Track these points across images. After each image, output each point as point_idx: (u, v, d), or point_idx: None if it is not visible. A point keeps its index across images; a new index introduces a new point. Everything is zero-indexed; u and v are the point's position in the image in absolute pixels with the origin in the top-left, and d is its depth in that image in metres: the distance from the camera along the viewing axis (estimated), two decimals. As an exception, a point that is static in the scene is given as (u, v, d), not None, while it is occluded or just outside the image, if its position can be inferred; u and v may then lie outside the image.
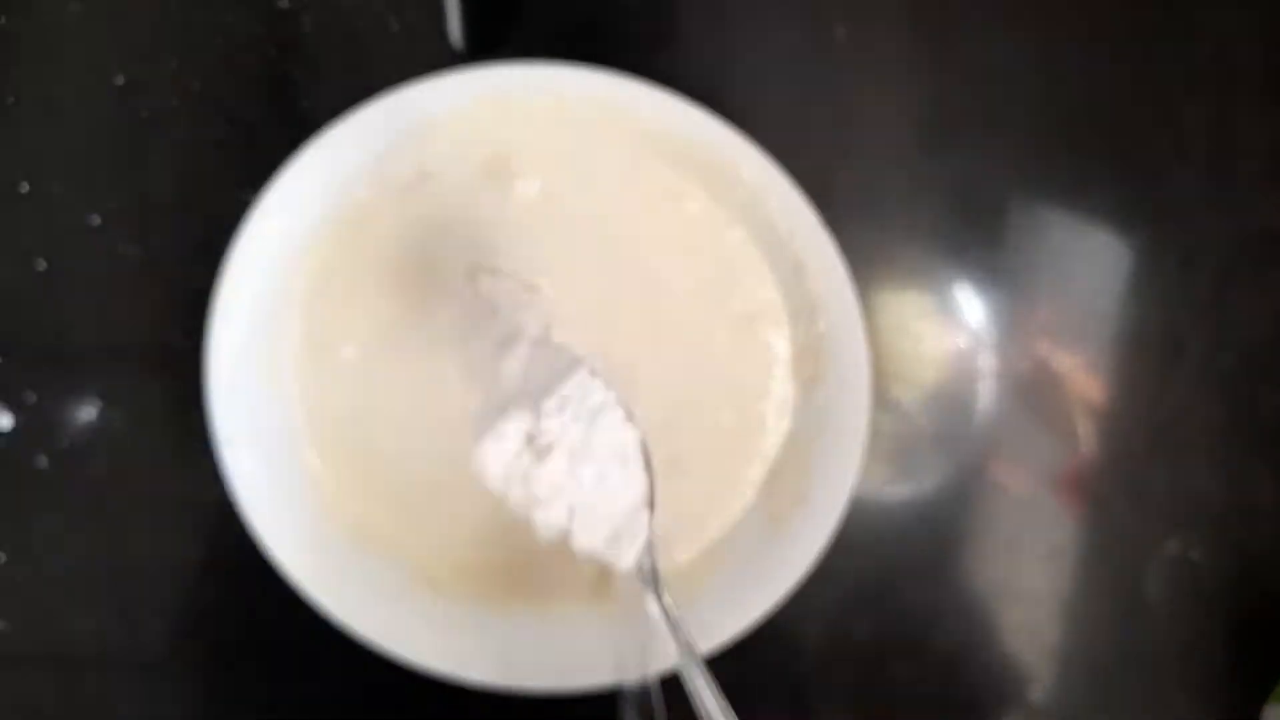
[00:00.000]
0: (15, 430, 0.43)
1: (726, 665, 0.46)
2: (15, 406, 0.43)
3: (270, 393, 0.39)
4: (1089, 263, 0.44)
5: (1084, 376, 0.45)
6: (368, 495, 0.40)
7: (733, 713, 0.32)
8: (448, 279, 0.40)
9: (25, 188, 0.42)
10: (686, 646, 0.33)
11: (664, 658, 0.36)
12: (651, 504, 0.35)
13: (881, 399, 0.44)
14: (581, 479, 0.34)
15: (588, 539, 0.34)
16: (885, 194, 0.43)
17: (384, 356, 0.41)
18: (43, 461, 0.43)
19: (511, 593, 0.40)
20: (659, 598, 0.34)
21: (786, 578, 0.38)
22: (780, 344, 0.41)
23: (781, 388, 0.41)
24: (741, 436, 0.42)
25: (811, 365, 0.39)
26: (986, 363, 0.44)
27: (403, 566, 0.41)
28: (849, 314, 0.37)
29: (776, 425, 0.41)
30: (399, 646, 0.38)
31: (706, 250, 0.40)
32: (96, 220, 0.42)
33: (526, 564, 0.41)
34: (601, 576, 0.41)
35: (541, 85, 0.36)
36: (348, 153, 0.36)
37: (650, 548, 0.34)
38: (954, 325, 0.44)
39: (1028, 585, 0.46)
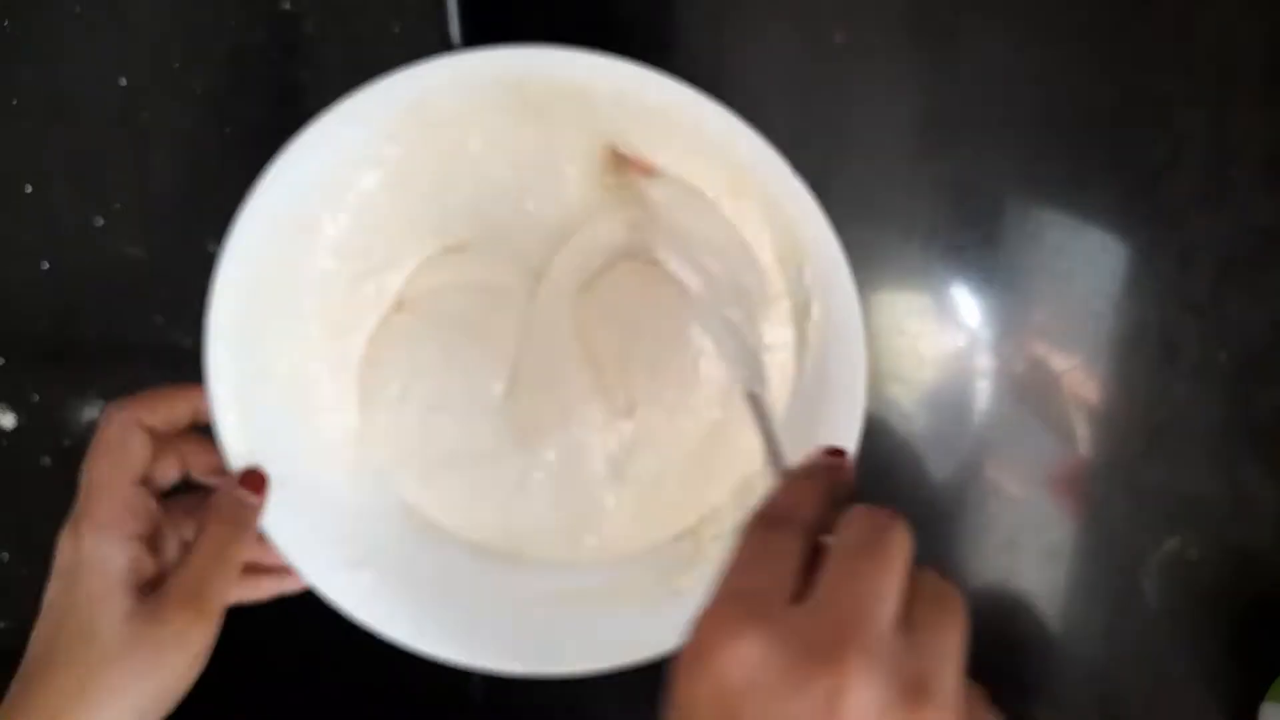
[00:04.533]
0: (19, 429, 0.43)
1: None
2: (19, 406, 0.43)
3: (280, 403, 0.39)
4: (1085, 263, 0.44)
5: (1081, 376, 0.45)
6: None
7: None
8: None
9: (29, 189, 0.42)
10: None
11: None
12: None
13: (879, 398, 0.44)
14: None
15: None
16: (883, 195, 0.43)
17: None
18: (46, 461, 0.44)
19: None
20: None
21: None
22: (779, 326, 0.41)
23: (778, 368, 0.41)
24: (733, 418, 0.42)
25: (808, 342, 0.39)
26: (984, 362, 0.44)
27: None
28: (831, 254, 0.36)
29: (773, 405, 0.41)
30: (410, 639, 0.38)
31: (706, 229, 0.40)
32: (100, 221, 0.42)
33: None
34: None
35: (550, 68, 0.35)
36: (346, 137, 0.36)
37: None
38: (951, 325, 0.44)
39: (1025, 584, 0.46)
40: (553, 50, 0.34)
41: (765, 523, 0.26)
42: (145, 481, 0.36)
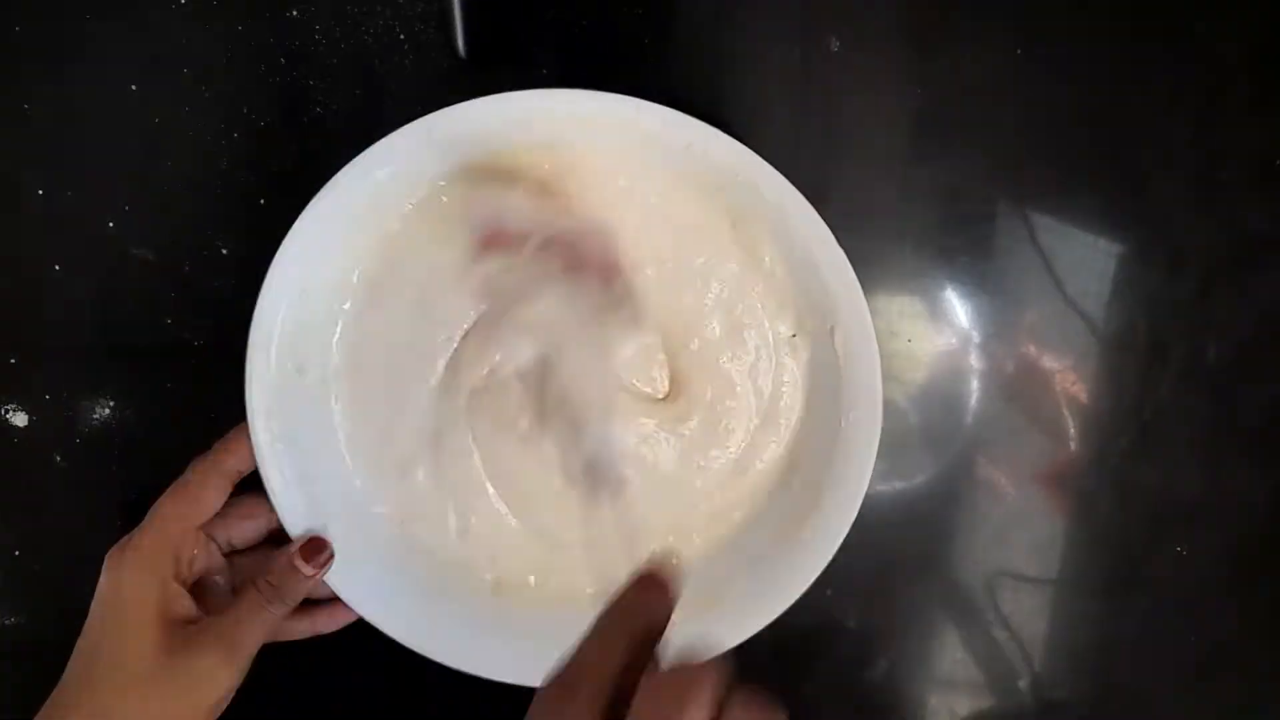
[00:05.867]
0: (30, 427, 0.43)
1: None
2: (30, 405, 0.43)
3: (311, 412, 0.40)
4: (1075, 266, 0.44)
5: (1071, 376, 0.45)
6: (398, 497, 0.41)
7: None
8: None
9: (40, 192, 0.42)
10: None
11: None
12: None
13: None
14: None
15: None
16: (878, 200, 0.44)
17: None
18: (57, 459, 0.44)
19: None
20: None
21: (801, 580, 0.39)
22: (793, 350, 0.42)
23: (792, 389, 0.42)
24: (757, 435, 0.42)
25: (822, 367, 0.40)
26: (976, 363, 0.45)
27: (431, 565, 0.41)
28: (861, 323, 0.38)
29: (789, 424, 0.42)
30: (416, 643, 0.39)
31: (721, 253, 0.41)
32: (110, 224, 0.42)
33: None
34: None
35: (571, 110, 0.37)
36: (388, 171, 0.37)
37: None
38: (944, 327, 0.45)
39: (1015, 580, 0.47)
40: (614, 98, 0.36)
41: (558, 692, 0.24)
42: (211, 530, 0.37)
